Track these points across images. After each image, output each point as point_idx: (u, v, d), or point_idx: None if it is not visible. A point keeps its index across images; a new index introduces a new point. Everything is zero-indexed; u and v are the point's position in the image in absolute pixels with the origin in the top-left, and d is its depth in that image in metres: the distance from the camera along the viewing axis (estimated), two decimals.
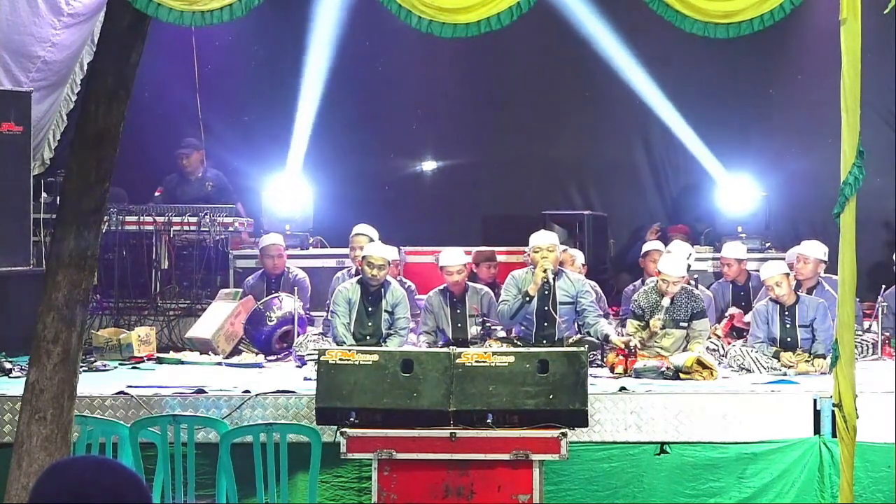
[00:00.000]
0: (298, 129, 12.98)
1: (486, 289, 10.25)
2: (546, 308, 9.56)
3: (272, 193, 12.28)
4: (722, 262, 10.89)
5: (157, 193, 12.13)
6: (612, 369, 9.22)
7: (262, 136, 13.10)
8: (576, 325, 9.75)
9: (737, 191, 12.25)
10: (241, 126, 13.12)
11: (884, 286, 10.56)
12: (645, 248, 11.21)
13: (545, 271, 9.51)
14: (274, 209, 12.17)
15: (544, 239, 9.77)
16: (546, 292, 9.58)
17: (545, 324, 9.63)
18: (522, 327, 9.75)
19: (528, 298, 9.58)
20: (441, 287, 10.10)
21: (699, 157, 12.77)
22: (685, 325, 9.62)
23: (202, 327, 10.53)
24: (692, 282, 10.33)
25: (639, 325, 9.61)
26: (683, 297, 9.66)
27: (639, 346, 9.35)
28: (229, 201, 11.96)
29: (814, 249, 10.27)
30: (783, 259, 10.56)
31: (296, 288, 10.51)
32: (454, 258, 10.03)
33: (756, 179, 12.39)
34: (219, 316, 10.55)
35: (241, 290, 10.88)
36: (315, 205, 12.40)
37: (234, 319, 10.51)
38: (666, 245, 10.95)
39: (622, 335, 9.70)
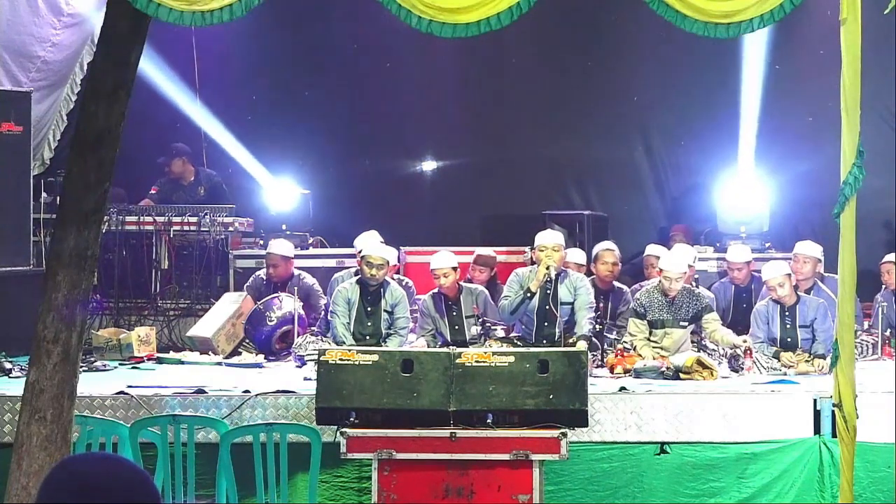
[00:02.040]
0: (298, 128, 12.98)
1: (481, 288, 10.24)
2: (547, 307, 9.57)
3: (272, 194, 12.28)
4: (730, 268, 10.83)
5: (152, 191, 12.12)
6: (611, 369, 9.22)
7: (261, 137, 13.09)
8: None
9: (739, 191, 12.22)
10: (242, 126, 13.11)
11: (883, 286, 10.57)
12: (646, 251, 11.19)
13: (548, 268, 9.53)
14: (273, 209, 12.16)
15: (550, 238, 9.81)
16: (548, 291, 9.59)
17: (545, 323, 9.64)
18: (523, 326, 9.77)
19: (529, 294, 9.60)
20: (435, 290, 10.09)
21: (706, 154, 12.77)
22: (685, 324, 9.63)
23: (203, 326, 10.54)
24: (693, 282, 10.32)
25: (640, 323, 9.62)
26: (685, 297, 9.66)
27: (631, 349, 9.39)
28: (222, 201, 11.94)
29: (812, 249, 10.27)
30: (784, 259, 10.54)
31: (298, 293, 10.46)
32: (442, 261, 9.98)
33: (758, 180, 12.38)
34: (220, 316, 10.55)
35: (245, 293, 10.84)
36: (315, 205, 12.39)
37: (236, 321, 10.51)
38: (669, 248, 10.92)
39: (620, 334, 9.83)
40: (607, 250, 10.52)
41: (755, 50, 12.44)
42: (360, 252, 10.34)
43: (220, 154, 12.80)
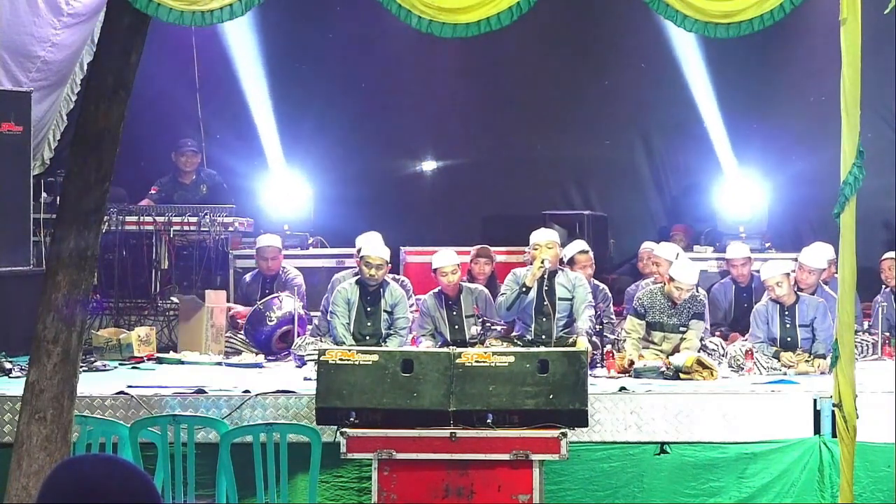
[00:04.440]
0: (298, 128, 12.97)
1: (482, 287, 10.25)
2: (545, 303, 9.58)
3: (270, 193, 12.27)
4: (731, 265, 10.82)
5: (152, 191, 12.12)
6: (609, 369, 9.23)
7: (263, 137, 13.09)
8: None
9: (737, 191, 12.23)
10: (242, 127, 13.11)
11: (883, 286, 10.57)
12: (642, 247, 11.21)
13: (542, 262, 9.55)
14: (271, 209, 12.16)
15: (543, 236, 9.84)
16: (545, 287, 9.59)
17: (543, 318, 9.66)
18: (522, 323, 9.78)
19: (524, 290, 9.61)
20: (436, 290, 10.09)
21: (706, 154, 12.77)
22: (684, 329, 9.60)
23: (191, 349, 10.37)
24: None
25: (639, 324, 9.60)
26: (687, 301, 9.63)
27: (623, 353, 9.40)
28: (223, 201, 11.95)
29: (817, 259, 10.14)
30: (783, 259, 10.53)
31: (280, 285, 10.52)
32: (446, 259, 10.00)
33: (756, 180, 12.39)
34: (198, 330, 10.42)
35: (194, 294, 10.80)
36: (315, 205, 12.39)
37: (213, 320, 10.44)
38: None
39: (617, 333, 9.86)
40: (582, 252, 10.40)
41: (755, 48, 12.43)
42: (359, 251, 10.35)
43: (220, 154, 12.80)
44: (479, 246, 10.91)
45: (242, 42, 12.86)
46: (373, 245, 10.05)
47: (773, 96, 12.94)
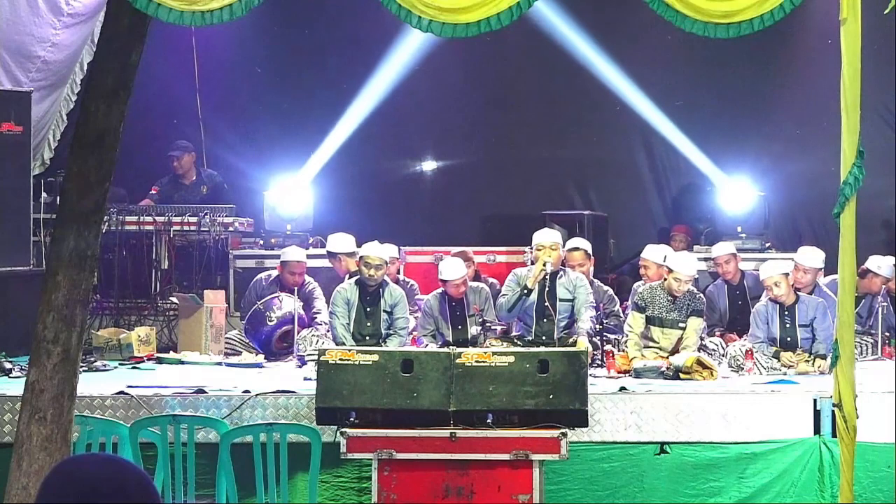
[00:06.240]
0: (305, 131, 12.96)
1: (484, 286, 10.24)
2: (545, 304, 9.57)
3: (275, 194, 12.25)
4: (716, 263, 10.86)
5: (152, 191, 12.11)
6: (609, 369, 9.23)
7: (264, 137, 13.09)
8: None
9: (736, 191, 12.24)
10: (243, 127, 13.11)
11: (883, 287, 10.56)
12: (643, 254, 11.20)
13: (544, 264, 9.55)
14: (276, 209, 12.14)
15: (548, 237, 9.82)
16: (547, 289, 9.59)
17: (544, 320, 9.66)
18: (523, 324, 9.78)
19: (526, 291, 9.61)
20: (439, 290, 10.07)
21: (697, 159, 12.78)
22: (683, 325, 9.61)
23: (192, 351, 10.37)
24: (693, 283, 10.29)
25: (639, 317, 9.59)
26: (686, 296, 9.64)
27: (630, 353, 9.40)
28: (224, 201, 11.94)
29: (813, 259, 10.16)
30: (783, 259, 10.53)
31: (300, 294, 10.44)
32: (454, 272, 9.91)
33: (755, 179, 12.40)
34: (198, 330, 10.42)
35: (193, 294, 10.76)
36: (316, 205, 12.39)
37: (213, 320, 10.43)
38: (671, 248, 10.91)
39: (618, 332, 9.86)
40: (575, 249, 10.28)
41: (754, 48, 12.43)
42: (331, 253, 10.44)
43: (222, 153, 12.81)
44: (457, 250, 10.82)
45: (241, 42, 12.85)
46: (371, 245, 10.03)
47: (771, 96, 12.93)
